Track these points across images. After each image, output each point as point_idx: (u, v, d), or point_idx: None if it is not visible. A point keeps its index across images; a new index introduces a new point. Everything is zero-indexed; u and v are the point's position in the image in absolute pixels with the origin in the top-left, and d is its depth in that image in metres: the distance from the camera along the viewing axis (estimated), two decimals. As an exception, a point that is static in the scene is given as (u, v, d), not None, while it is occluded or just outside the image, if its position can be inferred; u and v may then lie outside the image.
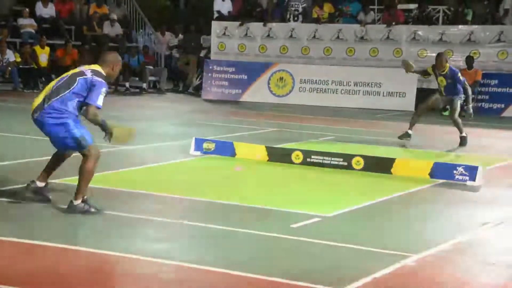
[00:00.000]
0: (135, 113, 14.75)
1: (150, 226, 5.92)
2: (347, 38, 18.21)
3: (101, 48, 20.46)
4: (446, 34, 17.37)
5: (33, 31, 20.48)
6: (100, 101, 6.11)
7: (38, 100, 6.21)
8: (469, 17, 17.73)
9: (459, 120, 11.28)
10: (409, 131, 11.39)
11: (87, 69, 6.25)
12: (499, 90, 16.79)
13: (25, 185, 6.42)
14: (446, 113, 15.88)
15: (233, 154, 9.23)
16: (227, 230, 5.78)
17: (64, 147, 6.23)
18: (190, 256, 5.09)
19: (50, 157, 6.51)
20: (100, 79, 6.15)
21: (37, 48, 19.27)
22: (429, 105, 11.53)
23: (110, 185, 7.31)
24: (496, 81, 16.80)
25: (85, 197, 6.10)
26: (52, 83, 6.34)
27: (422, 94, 17.09)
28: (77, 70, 6.33)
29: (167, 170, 8.52)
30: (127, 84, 20.06)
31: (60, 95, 6.11)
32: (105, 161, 8.84)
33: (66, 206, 6.09)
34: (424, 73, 12.05)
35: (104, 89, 6.15)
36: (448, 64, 11.35)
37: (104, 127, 6.19)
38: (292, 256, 5.18)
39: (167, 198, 6.96)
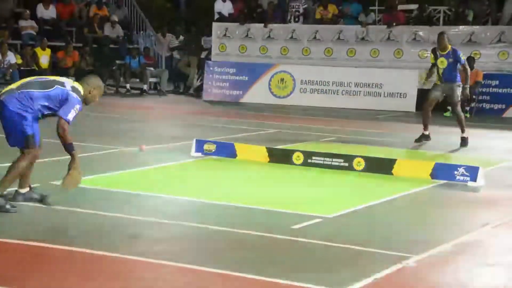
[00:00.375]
0: (136, 115, 14.76)
1: (149, 227, 5.92)
2: (347, 39, 18.21)
3: (102, 49, 20.49)
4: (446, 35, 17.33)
5: (34, 33, 20.49)
6: (70, 116, 6.10)
7: (13, 86, 6.30)
8: (470, 18, 17.72)
9: (463, 116, 11.26)
10: (426, 132, 11.34)
11: (68, 82, 6.30)
12: (500, 90, 16.78)
13: (11, 197, 6.36)
14: (448, 114, 15.94)
15: (234, 155, 9.23)
16: (227, 231, 5.78)
17: (10, 137, 6.22)
18: (190, 257, 5.09)
19: (6, 165, 6.43)
20: (76, 96, 6.18)
21: (38, 49, 19.28)
22: (431, 101, 11.46)
23: (110, 186, 7.32)
24: (497, 82, 16.79)
25: (4, 192, 6.15)
26: (33, 77, 6.44)
27: (423, 95, 17.16)
28: (59, 78, 6.39)
29: (167, 172, 8.53)
30: (128, 86, 20.07)
31: (33, 90, 6.15)
32: (106, 162, 8.87)
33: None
34: (432, 67, 11.70)
35: (77, 106, 6.15)
36: (450, 45, 11.29)
37: (69, 151, 6.19)
38: (293, 257, 5.18)
39: (167, 199, 6.96)
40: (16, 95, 6.12)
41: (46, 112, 6.21)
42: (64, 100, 6.12)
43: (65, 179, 6.21)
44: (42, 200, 6.40)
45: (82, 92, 6.26)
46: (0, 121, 6.28)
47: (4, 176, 6.16)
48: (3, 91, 6.30)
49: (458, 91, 11.19)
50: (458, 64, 11.16)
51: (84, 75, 21.91)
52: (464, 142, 11.18)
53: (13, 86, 6.29)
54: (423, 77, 11.62)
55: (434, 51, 11.42)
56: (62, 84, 6.23)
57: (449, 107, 16.14)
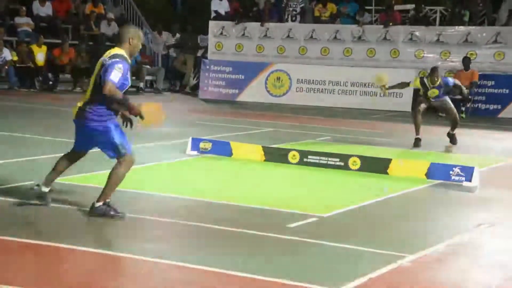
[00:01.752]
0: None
1: (145, 225, 5.92)
2: (344, 39, 18.23)
3: (99, 47, 20.46)
4: (443, 35, 17.39)
5: (29, 30, 20.46)
6: (113, 76, 5.78)
7: (78, 103, 6.12)
8: (466, 18, 17.75)
9: (457, 117, 11.29)
10: (419, 136, 11.32)
11: (106, 57, 5.99)
12: (496, 91, 16.81)
13: (30, 187, 6.34)
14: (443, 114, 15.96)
15: (229, 154, 9.23)
16: (223, 229, 5.78)
17: (106, 152, 6.19)
18: (185, 256, 5.09)
19: (60, 159, 6.39)
20: (113, 60, 5.87)
21: (34, 46, 19.25)
22: (420, 110, 11.40)
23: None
24: (493, 82, 16.82)
25: (108, 200, 5.99)
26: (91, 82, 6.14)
27: (419, 95, 17.17)
28: (99, 63, 6.05)
29: (163, 170, 8.52)
30: (124, 84, 20.04)
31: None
32: (101, 160, 8.84)
33: (88, 208, 6.03)
34: (401, 86, 11.73)
35: (119, 65, 5.82)
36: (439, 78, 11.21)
37: (126, 104, 5.92)
38: (288, 256, 5.18)
39: (163, 197, 6.96)
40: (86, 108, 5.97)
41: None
42: (106, 69, 5.85)
43: (144, 120, 6.00)
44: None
45: (120, 51, 5.96)
46: (88, 141, 6.17)
47: (103, 188, 6.02)
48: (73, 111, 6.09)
49: (449, 100, 11.18)
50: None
51: (80, 73, 21.94)
52: (453, 140, 11.21)
53: (78, 103, 6.11)
54: (384, 79, 11.38)
55: (422, 81, 11.20)
56: (102, 64, 5.93)
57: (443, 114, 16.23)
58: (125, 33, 6.09)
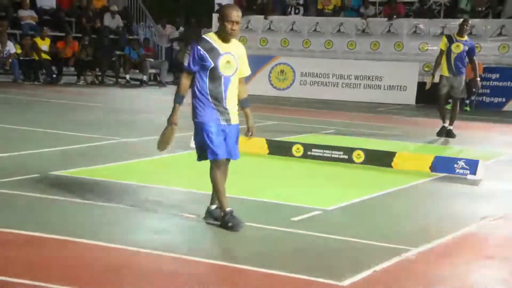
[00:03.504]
0: (136, 106, 14.74)
1: (149, 218, 5.91)
2: (348, 32, 18.18)
3: (102, 40, 20.44)
4: (447, 28, 17.33)
5: (33, 22, 20.44)
6: (185, 61, 5.63)
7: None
8: (468, 7, 17.59)
9: (458, 109, 11.28)
10: (445, 125, 11.31)
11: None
12: (500, 84, 16.77)
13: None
14: (448, 106, 15.92)
15: (233, 147, 9.20)
16: (227, 222, 5.77)
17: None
18: (189, 248, 5.08)
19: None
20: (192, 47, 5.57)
21: (38, 39, 19.25)
22: (445, 99, 11.47)
23: (110, 177, 7.31)
24: (497, 75, 16.78)
25: (228, 209, 5.62)
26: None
27: (423, 88, 17.13)
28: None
29: (166, 163, 8.51)
30: (128, 77, 20.06)
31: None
32: (104, 153, 8.85)
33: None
34: (437, 63, 11.54)
35: (190, 50, 5.59)
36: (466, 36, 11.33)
37: (174, 101, 5.66)
38: (292, 249, 5.18)
39: (166, 190, 6.95)
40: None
41: (203, 96, 5.60)
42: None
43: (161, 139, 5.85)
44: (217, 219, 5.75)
45: (206, 36, 5.53)
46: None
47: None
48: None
49: (463, 85, 11.21)
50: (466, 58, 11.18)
51: (83, 66, 21.92)
52: (451, 134, 11.21)
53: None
54: (430, 81, 11.40)
55: (449, 37, 11.35)
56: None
57: (450, 100, 16.19)
58: (220, 15, 5.50)
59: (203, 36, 5.60)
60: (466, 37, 11.27)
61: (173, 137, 5.87)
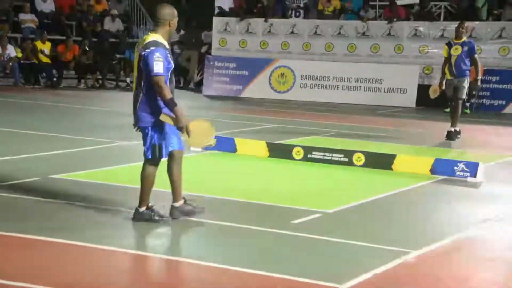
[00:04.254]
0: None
1: (149, 222, 5.90)
2: (348, 34, 18.19)
3: (103, 43, 20.45)
4: (447, 30, 17.33)
5: (34, 26, 20.47)
6: (157, 67, 5.45)
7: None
8: (484, 13, 17.58)
9: (459, 110, 11.30)
10: (456, 129, 11.37)
11: (141, 48, 5.64)
12: (501, 86, 16.75)
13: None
14: (448, 110, 15.92)
15: (233, 150, 9.22)
16: (227, 225, 5.78)
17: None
18: (190, 251, 5.09)
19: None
20: (150, 49, 5.54)
21: (38, 43, 19.26)
22: (451, 98, 11.55)
23: (110, 180, 7.31)
24: (498, 78, 16.76)
25: (176, 205, 5.81)
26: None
27: (424, 91, 17.13)
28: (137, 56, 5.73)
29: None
30: (128, 80, 20.06)
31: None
32: (105, 156, 8.86)
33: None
34: (444, 64, 11.58)
35: (156, 54, 5.48)
36: (465, 37, 11.45)
37: (171, 107, 5.52)
38: (292, 252, 5.18)
39: (167, 194, 6.95)
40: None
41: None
42: (146, 65, 5.54)
43: (188, 141, 5.65)
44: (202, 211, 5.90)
45: (155, 37, 5.62)
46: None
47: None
48: None
49: (466, 87, 11.25)
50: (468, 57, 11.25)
51: (84, 69, 21.87)
52: (451, 135, 11.22)
53: None
54: (436, 90, 11.50)
55: (448, 43, 11.53)
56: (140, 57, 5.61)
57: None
58: (164, 15, 5.65)
59: (156, 39, 5.62)
60: (464, 39, 11.39)
61: (206, 128, 5.75)
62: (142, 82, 5.65)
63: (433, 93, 11.72)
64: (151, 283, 4.43)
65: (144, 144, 5.81)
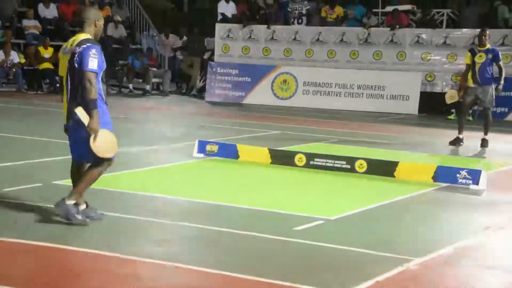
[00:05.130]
0: (139, 115, 14.77)
1: (152, 228, 5.92)
2: (350, 41, 18.21)
3: (105, 49, 20.49)
4: (449, 38, 17.35)
5: (37, 32, 20.52)
6: (92, 64, 5.54)
7: None
8: (507, 14, 17.62)
9: (491, 118, 11.36)
10: (460, 136, 11.41)
11: (74, 47, 5.71)
12: (503, 94, 16.68)
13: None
14: (452, 117, 15.92)
15: (236, 156, 9.23)
16: (229, 232, 5.78)
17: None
18: (192, 258, 5.09)
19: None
20: (85, 45, 5.63)
21: (41, 48, 19.30)
22: (467, 106, 11.65)
23: (112, 186, 7.32)
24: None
25: (79, 201, 5.82)
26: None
27: (426, 98, 17.14)
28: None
29: (170, 172, 8.53)
30: (131, 86, 20.09)
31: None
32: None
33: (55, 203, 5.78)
34: (464, 79, 11.74)
35: (93, 51, 5.58)
36: (489, 44, 11.49)
37: (90, 108, 5.57)
38: (295, 259, 5.18)
39: (169, 200, 6.96)
40: None
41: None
42: (80, 63, 5.61)
43: (95, 146, 5.66)
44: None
45: (87, 36, 5.75)
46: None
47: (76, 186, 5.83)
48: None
49: (492, 95, 11.28)
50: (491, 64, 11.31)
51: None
52: (485, 143, 11.29)
53: None
54: (454, 96, 11.61)
55: (471, 50, 11.55)
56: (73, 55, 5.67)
57: (453, 110, 16.17)
58: (90, 16, 5.82)
59: (89, 38, 5.73)
60: (488, 46, 11.43)
61: (113, 142, 5.86)
62: (77, 81, 5.64)
63: (450, 98, 11.78)
64: (153, 290, 4.44)
65: (81, 144, 5.74)
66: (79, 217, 5.74)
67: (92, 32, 5.85)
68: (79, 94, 5.71)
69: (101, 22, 5.91)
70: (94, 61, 5.59)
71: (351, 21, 18.91)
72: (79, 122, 5.69)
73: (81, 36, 5.79)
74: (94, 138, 5.65)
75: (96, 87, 5.62)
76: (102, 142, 5.71)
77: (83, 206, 5.89)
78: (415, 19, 18.77)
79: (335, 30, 18.50)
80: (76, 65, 5.66)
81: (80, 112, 5.64)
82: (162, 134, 11.89)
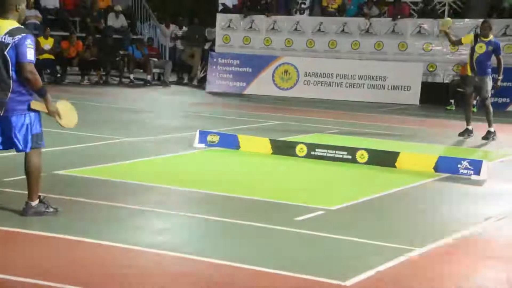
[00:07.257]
0: (139, 105, 14.75)
1: (153, 218, 5.92)
2: (352, 32, 18.17)
3: (106, 40, 20.45)
4: (451, 28, 17.27)
5: (38, 22, 20.47)
6: (30, 55, 5.44)
7: None
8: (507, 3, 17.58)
9: (491, 110, 11.28)
10: (469, 127, 11.36)
11: (3, 35, 5.46)
12: (504, 84, 16.60)
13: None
14: (451, 107, 15.91)
15: (237, 146, 9.23)
16: (230, 222, 5.79)
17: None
18: (193, 248, 5.09)
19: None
20: (20, 35, 5.45)
21: (41, 38, 19.25)
22: (470, 96, 11.56)
23: (113, 177, 7.32)
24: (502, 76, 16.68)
25: (42, 196, 5.76)
26: None
27: (427, 88, 17.11)
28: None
29: (171, 163, 8.53)
30: (132, 76, 20.06)
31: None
32: (109, 153, 8.87)
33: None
34: (457, 42, 11.93)
35: (28, 41, 5.44)
36: (492, 35, 11.42)
37: (42, 95, 5.54)
38: (296, 249, 5.18)
39: (170, 190, 6.96)
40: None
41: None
42: (17, 55, 5.42)
43: (61, 122, 5.74)
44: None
45: (16, 24, 5.53)
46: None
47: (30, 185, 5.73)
48: None
49: (489, 85, 11.25)
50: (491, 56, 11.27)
51: (87, 65, 21.85)
52: (489, 135, 11.20)
53: None
54: (448, 24, 11.65)
55: (475, 36, 11.50)
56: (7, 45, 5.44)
57: (452, 101, 16.15)
58: (11, 0, 5.52)
59: (19, 26, 5.55)
60: (491, 37, 11.33)
61: (70, 107, 5.93)
62: (11, 71, 5.48)
63: (444, 25, 11.79)
64: (155, 279, 4.44)
65: (18, 134, 5.65)
66: (50, 209, 5.75)
67: (16, 17, 5.57)
68: (6, 85, 5.51)
69: (23, 6, 5.62)
70: (31, 51, 5.49)
71: (349, 9, 18.82)
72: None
73: (8, 24, 5.49)
74: (60, 117, 5.70)
75: (38, 75, 5.55)
76: (66, 115, 5.78)
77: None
78: (416, 9, 18.71)
79: (336, 21, 18.46)
80: (8, 57, 5.45)
81: (35, 106, 5.63)
82: (162, 124, 11.88)
